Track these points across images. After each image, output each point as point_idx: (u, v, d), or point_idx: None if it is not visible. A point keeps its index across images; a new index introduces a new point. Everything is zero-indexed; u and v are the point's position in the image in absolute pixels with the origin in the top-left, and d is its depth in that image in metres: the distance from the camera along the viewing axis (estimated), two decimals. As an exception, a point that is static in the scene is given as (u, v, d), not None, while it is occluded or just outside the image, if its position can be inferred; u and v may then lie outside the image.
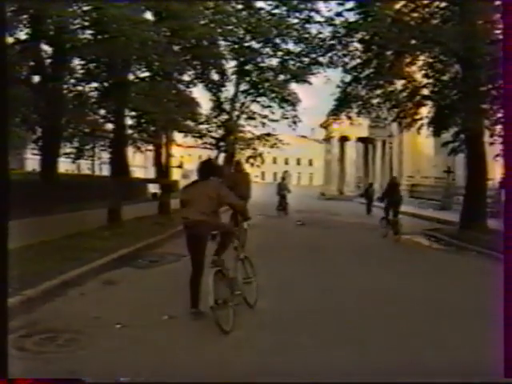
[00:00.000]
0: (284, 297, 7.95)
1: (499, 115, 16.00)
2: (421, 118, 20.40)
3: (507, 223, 4.59)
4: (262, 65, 31.70)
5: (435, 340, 6.17)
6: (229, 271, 6.74)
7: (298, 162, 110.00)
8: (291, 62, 29.64)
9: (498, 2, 14.81)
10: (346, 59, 22.49)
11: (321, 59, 24.98)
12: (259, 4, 26.81)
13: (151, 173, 43.20)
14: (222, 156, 36.46)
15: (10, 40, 14.36)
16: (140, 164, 62.80)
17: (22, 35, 15.71)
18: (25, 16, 14.78)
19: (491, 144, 17.62)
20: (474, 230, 16.76)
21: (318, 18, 24.70)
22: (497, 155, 16.43)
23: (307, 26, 25.66)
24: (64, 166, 30.42)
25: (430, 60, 18.95)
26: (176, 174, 55.04)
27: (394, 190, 17.85)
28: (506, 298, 4.42)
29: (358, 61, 21.85)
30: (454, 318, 7.19)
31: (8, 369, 3.83)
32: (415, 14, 17.93)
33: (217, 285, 6.23)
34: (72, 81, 17.10)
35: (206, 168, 7.07)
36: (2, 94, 4.12)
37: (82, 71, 16.75)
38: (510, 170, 4.68)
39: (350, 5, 19.74)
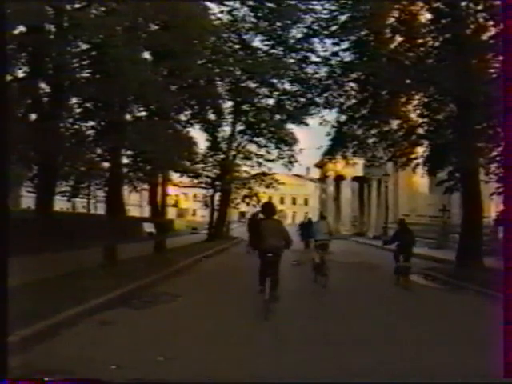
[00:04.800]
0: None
1: (494, 153, 16.09)
2: (416, 157, 20.48)
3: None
4: (258, 105, 31.96)
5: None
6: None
7: (294, 201, 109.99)
8: (287, 102, 29.88)
9: (491, 41, 15.03)
10: (342, 99, 22.78)
11: (317, 99, 25.20)
12: (256, 44, 27.18)
13: (147, 211, 43.10)
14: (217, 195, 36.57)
15: (8, 78, 14.45)
16: (135, 203, 62.65)
17: (20, 73, 15.85)
18: (23, 54, 14.93)
19: (486, 182, 17.66)
20: (470, 268, 16.64)
21: (314, 58, 24.99)
22: (492, 193, 16.46)
23: (303, 65, 25.95)
24: (59, 204, 30.28)
25: (425, 99, 19.15)
26: (171, 213, 55.07)
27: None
28: (505, 298, 4.42)
29: (354, 101, 22.10)
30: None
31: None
32: (410, 54, 18.15)
33: (269, 289, 9.44)
34: (69, 119, 17.16)
35: (271, 209, 10.32)
36: (2, 132, 4.09)
37: (79, 110, 16.83)
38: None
39: (345, 45, 20.08)
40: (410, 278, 14.70)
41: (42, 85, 17.33)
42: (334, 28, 20.30)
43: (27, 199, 38.65)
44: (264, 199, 36.65)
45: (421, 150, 20.46)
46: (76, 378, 4.27)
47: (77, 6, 15.32)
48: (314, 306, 11.22)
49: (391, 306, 11.48)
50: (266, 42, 26.59)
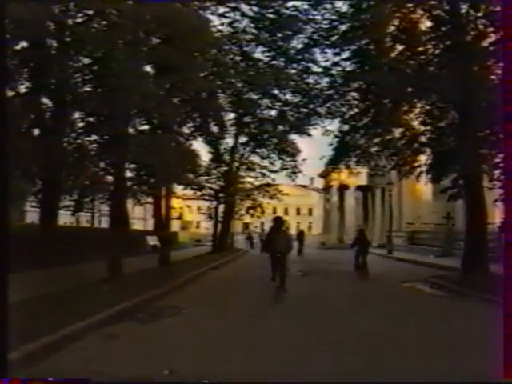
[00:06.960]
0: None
1: (497, 160, 16.05)
2: (419, 165, 20.45)
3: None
4: (260, 116, 32.00)
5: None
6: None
7: (298, 212, 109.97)
8: (290, 113, 29.93)
9: (492, 48, 15.06)
10: (344, 109, 22.83)
11: (319, 109, 25.28)
12: (257, 55, 27.25)
13: (151, 225, 43.10)
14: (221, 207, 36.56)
15: (11, 93, 14.50)
16: (140, 216, 62.70)
17: (23, 88, 15.91)
18: (25, 69, 15.00)
19: (490, 189, 17.62)
20: (476, 276, 16.54)
21: (315, 68, 25.07)
22: (496, 200, 16.40)
23: (305, 76, 26.02)
24: (63, 218, 30.32)
25: (427, 107, 19.16)
26: (175, 226, 55.06)
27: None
28: (505, 297, 4.42)
29: (356, 110, 22.13)
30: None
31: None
32: (411, 62, 18.18)
33: (279, 278, 14.01)
34: (72, 134, 17.18)
35: (280, 222, 14.95)
36: (2, 146, 4.09)
37: (81, 124, 16.85)
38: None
39: (346, 54, 20.13)
40: (367, 270, 20.52)
41: (45, 100, 17.41)
42: (334, 38, 20.37)
43: (31, 214, 38.85)
44: (269, 210, 36.73)
45: (424, 158, 20.45)
46: (67, 379, 4.22)
47: (78, 20, 15.42)
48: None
49: (398, 313, 11.46)
50: (267, 54, 26.66)
